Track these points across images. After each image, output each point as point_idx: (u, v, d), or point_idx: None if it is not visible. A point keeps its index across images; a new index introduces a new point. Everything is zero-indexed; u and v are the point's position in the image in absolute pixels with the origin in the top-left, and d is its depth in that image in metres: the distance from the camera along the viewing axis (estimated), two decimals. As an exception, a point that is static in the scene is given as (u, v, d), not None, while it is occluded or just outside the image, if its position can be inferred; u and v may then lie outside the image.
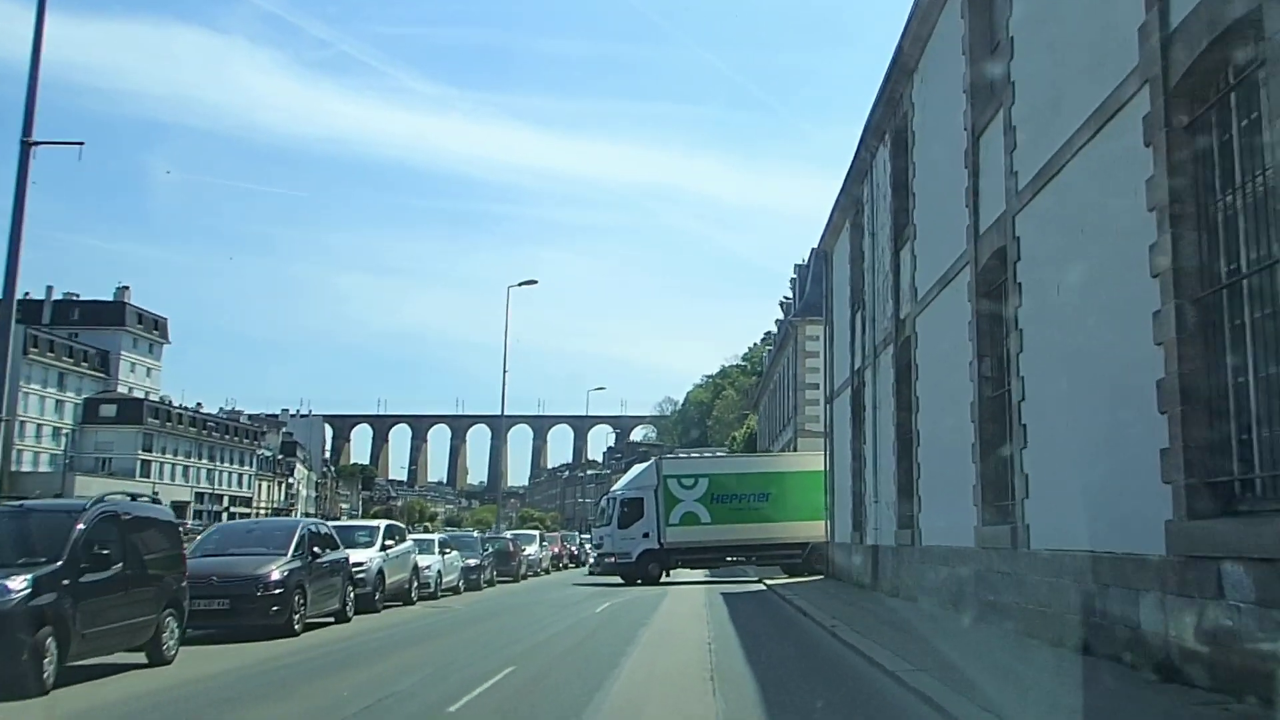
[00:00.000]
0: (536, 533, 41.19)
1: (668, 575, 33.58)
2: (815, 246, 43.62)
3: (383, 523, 22.98)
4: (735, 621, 17.50)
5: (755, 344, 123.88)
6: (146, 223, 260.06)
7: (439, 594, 23.37)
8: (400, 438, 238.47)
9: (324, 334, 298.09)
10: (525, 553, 35.64)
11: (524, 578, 34.64)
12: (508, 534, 37.16)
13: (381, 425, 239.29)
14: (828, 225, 30.47)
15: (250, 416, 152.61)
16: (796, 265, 45.22)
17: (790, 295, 46.45)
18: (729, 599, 23.54)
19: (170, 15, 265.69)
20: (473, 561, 27.11)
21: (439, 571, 23.42)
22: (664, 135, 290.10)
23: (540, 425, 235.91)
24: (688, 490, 33.45)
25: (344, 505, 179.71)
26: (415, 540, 22.71)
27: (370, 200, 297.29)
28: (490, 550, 29.15)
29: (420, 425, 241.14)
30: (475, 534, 31.56)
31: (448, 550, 24.58)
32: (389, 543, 20.87)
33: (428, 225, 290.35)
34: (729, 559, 33.75)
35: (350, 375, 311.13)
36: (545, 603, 22.92)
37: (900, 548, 19.78)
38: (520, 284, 43.17)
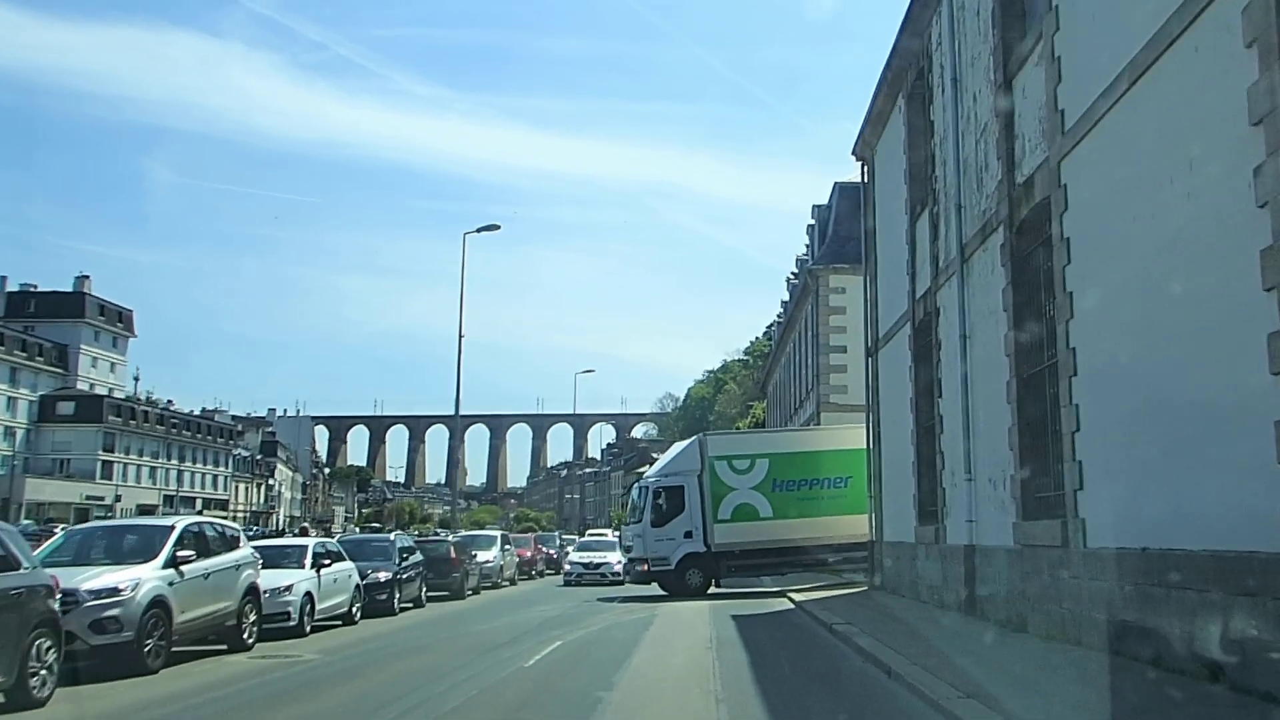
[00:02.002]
0: (497, 534, 33.09)
1: (717, 585, 25.86)
2: (838, 182, 35.96)
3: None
4: (766, 692, 9.67)
5: (757, 338, 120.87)
6: (145, 227, 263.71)
7: (307, 627, 15.55)
8: (398, 439, 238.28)
9: (323, 335, 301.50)
10: (479, 560, 27.83)
11: (478, 590, 26.81)
12: (448, 536, 29.24)
13: (378, 426, 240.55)
14: (866, 121, 22.64)
15: (234, 416, 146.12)
16: (816, 206, 37.36)
17: (808, 244, 38.53)
18: (746, 630, 15.76)
19: (166, 20, 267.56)
20: (383, 576, 19.28)
21: (307, 594, 15.60)
22: (662, 134, 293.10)
23: (540, 424, 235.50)
24: (742, 475, 25.75)
25: (338, 508, 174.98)
26: (257, 548, 14.93)
27: (368, 202, 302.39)
28: (412, 560, 21.24)
29: (418, 426, 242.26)
30: (396, 535, 23.49)
31: (328, 562, 16.73)
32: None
33: (426, 226, 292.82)
34: (796, 564, 25.71)
35: (348, 376, 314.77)
36: (464, 639, 15.12)
37: (1032, 550, 11.98)
38: (479, 230, 35.47)
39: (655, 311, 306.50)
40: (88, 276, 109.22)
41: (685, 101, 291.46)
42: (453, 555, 24.38)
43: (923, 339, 18.42)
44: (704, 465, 25.92)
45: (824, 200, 37.19)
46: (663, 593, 25.30)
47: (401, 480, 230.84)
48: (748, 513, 25.60)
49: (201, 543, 12.60)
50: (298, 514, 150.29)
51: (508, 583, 31.04)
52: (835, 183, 35.81)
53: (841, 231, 34.90)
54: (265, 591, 14.37)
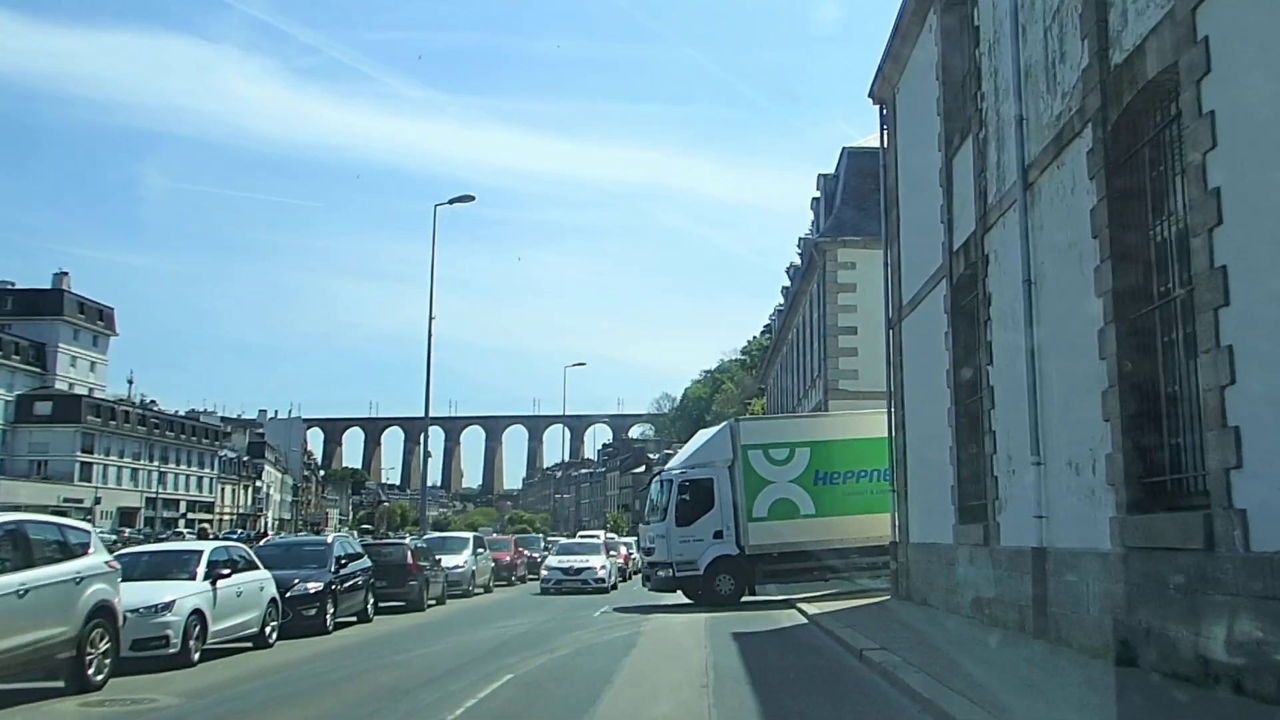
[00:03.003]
0: (469, 535, 29.62)
1: (750, 593, 22.47)
2: (847, 147, 32.71)
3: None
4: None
5: (754, 337, 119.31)
6: (141, 232, 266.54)
7: (195, 654, 12.25)
8: (393, 441, 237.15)
9: (319, 338, 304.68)
10: (445, 565, 24.51)
11: (443, 600, 23.51)
12: (409, 540, 25.82)
13: (373, 428, 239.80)
14: (886, 55, 19.39)
15: (223, 418, 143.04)
16: (822, 176, 34.00)
17: (813, 219, 35.20)
18: (752, 657, 12.48)
19: (159, 24, 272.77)
20: (312, 587, 15.91)
21: (196, 612, 12.24)
22: (655, 135, 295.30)
23: (535, 426, 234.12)
24: (780, 466, 22.45)
25: (332, 510, 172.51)
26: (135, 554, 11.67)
27: (364, 205, 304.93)
28: (355, 567, 17.90)
29: (413, 428, 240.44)
30: (336, 537, 19.79)
31: (227, 572, 13.34)
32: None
33: (421, 229, 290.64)
34: (842, 569, 22.09)
35: (343, 379, 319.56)
36: (388, 672, 11.77)
37: (1147, 554, 8.68)
38: (451, 201, 32.24)
39: (651, 313, 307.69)
40: (66, 273, 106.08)
41: (678, 103, 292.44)
42: (409, 561, 21.03)
43: (964, 297, 15.18)
44: (736, 455, 22.49)
45: (830, 170, 33.89)
46: (686, 600, 22.18)
47: (397, 482, 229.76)
48: (787, 509, 22.27)
49: (13, 549, 9.31)
50: (288, 516, 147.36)
51: (481, 590, 27.71)
52: (843, 148, 32.58)
53: (851, 202, 31.68)
54: (133, 610, 11.12)
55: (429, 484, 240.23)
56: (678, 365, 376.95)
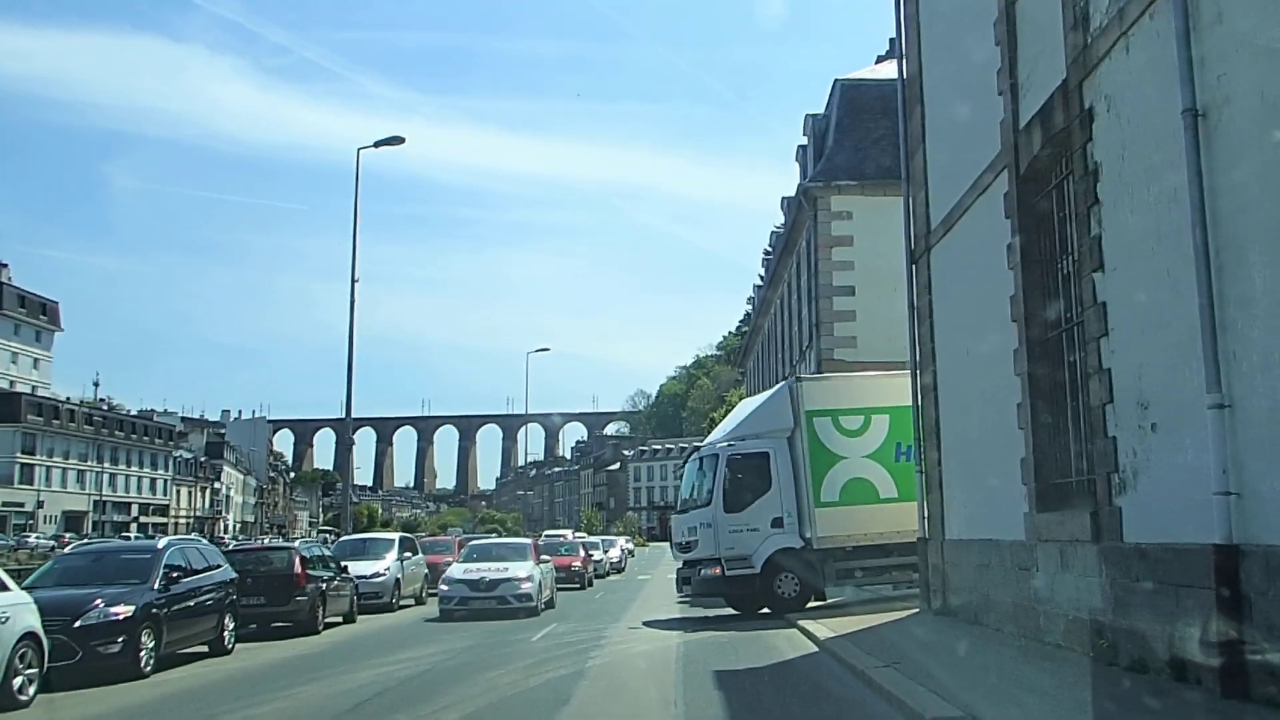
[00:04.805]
0: (394, 537, 24.41)
1: (820, 598, 17.83)
2: (839, 79, 28.18)
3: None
4: None
5: (729, 333, 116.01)
6: (110, 234, 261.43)
7: None
8: (365, 442, 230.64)
9: (292, 340, 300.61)
10: (357, 573, 19.75)
11: (351, 617, 18.75)
12: (298, 544, 20.84)
13: (344, 429, 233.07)
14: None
15: (184, 419, 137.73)
16: (810, 117, 29.18)
17: (800, 167, 30.47)
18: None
19: (128, 25, 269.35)
20: (118, 612, 11.07)
21: None
22: (629, 134, 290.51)
23: (510, 425, 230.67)
24: (853, 438, 17.69)
25: (301, 513, 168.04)
26: None
27: (338, 206, 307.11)
28: (202, 581, 13.09)
29: (385, 428, 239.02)
30: (168, 543, 13.23)
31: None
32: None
33: (395, 230, 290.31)
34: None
35: (317, 380, 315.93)
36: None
37: None
38: (376, 144, 27.52)
39: (626, 311, 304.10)
40: (5, 264, 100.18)
41: (652, 102, 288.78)
42: (296, 570, 16.25)
43: (1038, 188, 10.67)
44: (798, 423, 17.82)
45: (820, 109, 29.28)
46: (732, 611, 17.88)
47: (369, 484, 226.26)
48: (862, 492, 17.55)
49: None
50: (251, 519, 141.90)
51: (412, 600, 22.88)
52: (836, 80, 27.97)
53: (846, 142, 27.11)
54: None
55: (401, 485, 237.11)
56: (653, 363, 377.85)
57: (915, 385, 15.33)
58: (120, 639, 11.06)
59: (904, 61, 15.86)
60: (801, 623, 14.70)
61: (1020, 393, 10.96)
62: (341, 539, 24.70)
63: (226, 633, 13.78)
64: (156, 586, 12.00)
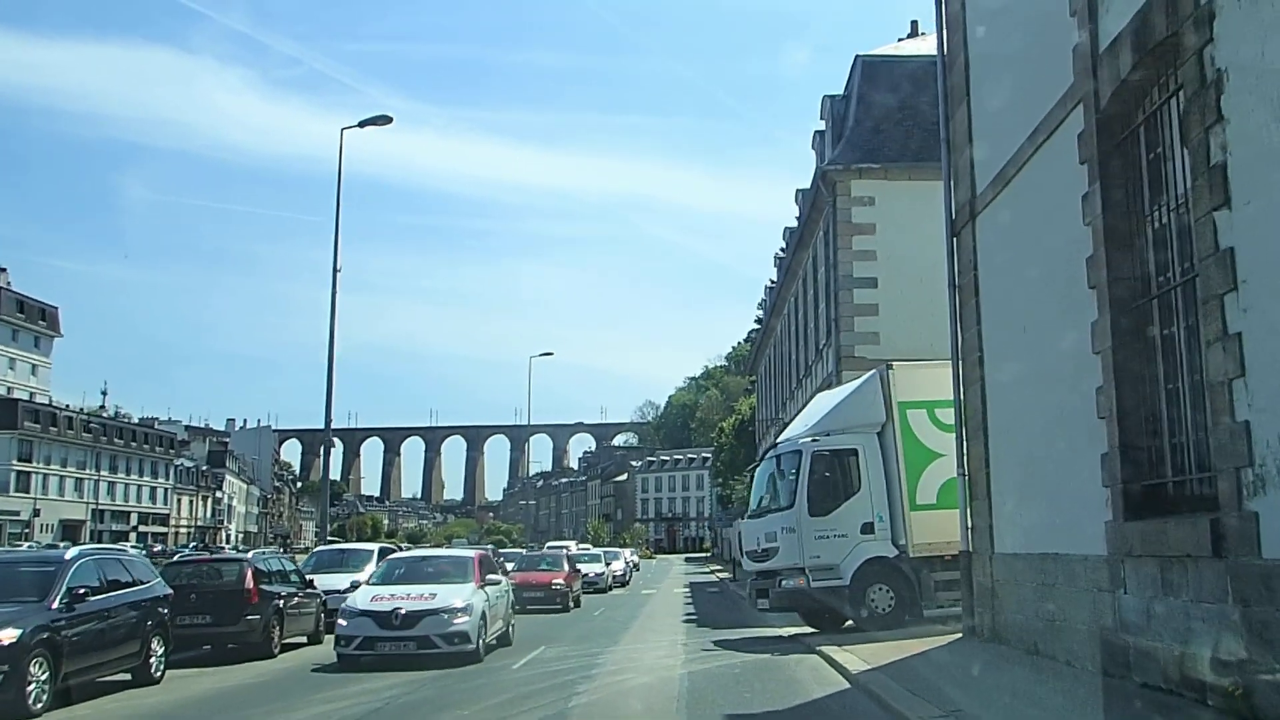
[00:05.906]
0: (374, 548, 21.02)
1: (917, 614, 15.51)
2: (860, 55, 26.21)
3: None
4: None
5: (739, 343, 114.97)
6: (123, 244, 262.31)
7: None
8: (373, 452, 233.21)
9: (304, 350, 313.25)
10: (329, 589, 17.64)
11: (318, 638, 16.60)
12: (250, 555, 18.49)
13: (352, 439, 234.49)
14: None
15: (188, 427, 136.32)
16: (829, 98, 27.05)
17: (816, 153, 28.39)
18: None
19: (139, 37, 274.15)
20: (6, 637, 9.15)
21: None
22: (639, 146, 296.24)
23: (518, 435, 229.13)
24: (951, 432, 14.12)
25: (307, 523, 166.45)
26: None
27: (348, 217, 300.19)
28: (118, 598, 11.04)
29: (393, 438, 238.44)
30: (76, 552, 10.27)
31: None
32: None
33: (405, 241, 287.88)
34: None
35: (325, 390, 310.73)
36: None
37: None
38: (361, 124, 25.75)
39: (635, 322, 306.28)
40: (3, 269, 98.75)
41: (662, 114, 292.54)
42: (248, 585, 14.22)
43: (1122, 122, 8.67)
44: (890, 416, 15.93)
45: (839, 90, 27.27)
46: (809, 630, 16.02)
47: (377, 494, 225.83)
48: None
49: None
50: (254, 529, 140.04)
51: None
52: (857, 56, 26.01)
53: (867, 123, 25.13)
54: None
55: (409, 495, 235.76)
56: (662, 374, 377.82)
57: (957, 373, 13.31)
58: (1, 670, 9.05)
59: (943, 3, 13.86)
60: (825, 649, 12.65)
61: (1100, 374, 8.92)
62: (316, 550, 22.65)
63: (154, 659, 11.75)
64: (56, 605, 10.00)
